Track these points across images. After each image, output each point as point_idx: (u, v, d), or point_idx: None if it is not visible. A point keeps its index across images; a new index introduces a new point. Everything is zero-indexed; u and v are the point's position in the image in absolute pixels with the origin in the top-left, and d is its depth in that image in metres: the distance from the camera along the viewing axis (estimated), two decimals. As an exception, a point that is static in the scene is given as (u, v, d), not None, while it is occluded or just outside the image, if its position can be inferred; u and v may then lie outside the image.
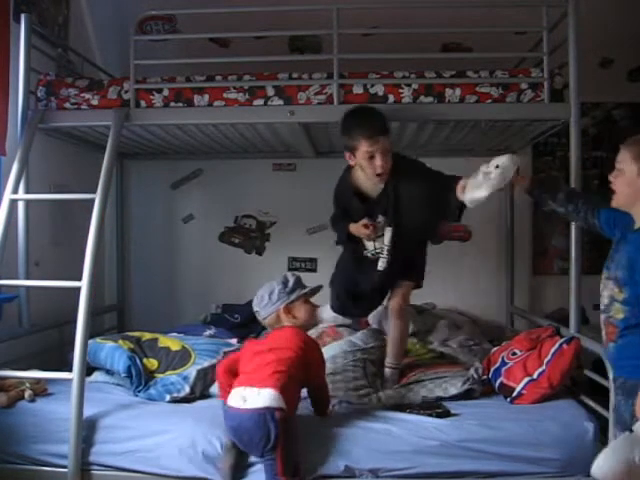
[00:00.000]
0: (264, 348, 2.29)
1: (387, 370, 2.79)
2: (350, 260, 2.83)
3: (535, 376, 2.50)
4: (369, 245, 2.73)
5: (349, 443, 2.25)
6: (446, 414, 2.39)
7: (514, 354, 2.71)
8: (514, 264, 3.86)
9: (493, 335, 3.59)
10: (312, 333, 2.90)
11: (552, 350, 2.55)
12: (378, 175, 2.56)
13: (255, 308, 2.44)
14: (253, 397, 2.12)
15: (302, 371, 2.24)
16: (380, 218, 2.66)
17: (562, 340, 2.57)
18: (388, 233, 2.65)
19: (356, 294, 2.83)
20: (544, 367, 2.51)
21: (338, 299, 2.88)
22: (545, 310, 3.78)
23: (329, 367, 2.64)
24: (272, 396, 2.10)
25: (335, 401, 2.51)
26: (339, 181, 2.78)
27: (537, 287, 3.96)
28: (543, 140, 3.54)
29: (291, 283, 2.42)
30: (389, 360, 2.81)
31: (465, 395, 2.60)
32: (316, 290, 2.50)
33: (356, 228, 2.68)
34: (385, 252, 2.67)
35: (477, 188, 2.30)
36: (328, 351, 2.85)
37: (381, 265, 2.69)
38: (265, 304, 2.40)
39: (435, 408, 2.43)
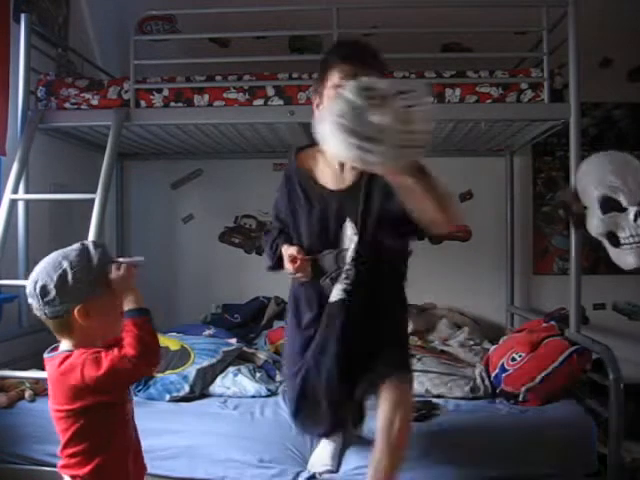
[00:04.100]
0: (50, 399, 1.49)
1: None
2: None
3: (538, 380, 2.46)
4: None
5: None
6: (426, 417, 2.38)
7: (513, 359, 2.67)
8: (514, 264, 3.86)
9: (493, 335, 3.59)
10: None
11: (562, 357, 2.47)
12: None
13: (31, 301, 1.45)
14: None
15: (103, 411, 1.47)
16: (349, 230, 1.81)
17: (573, 348, 2.49)
18: (352, 245, 1.80)
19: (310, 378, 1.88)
20: (550, 370, 2.46)
21: (290, 402, 2.01)
22: (545, 310, 3.78)
23: None
24: None
25: None
26: (286, 167, 1.98)
27: (537, 287, 3.95)
28: (543, 140, 3.53)
29: (95, 263, 1.44)
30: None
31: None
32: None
33: (286, 252, 1.83)
34: (344, 275, 1.79)
35: None
36: None
37: (335, 295, 1.80)
38: (50, 299, 1.41)
39: (420, 409, 2.41)
